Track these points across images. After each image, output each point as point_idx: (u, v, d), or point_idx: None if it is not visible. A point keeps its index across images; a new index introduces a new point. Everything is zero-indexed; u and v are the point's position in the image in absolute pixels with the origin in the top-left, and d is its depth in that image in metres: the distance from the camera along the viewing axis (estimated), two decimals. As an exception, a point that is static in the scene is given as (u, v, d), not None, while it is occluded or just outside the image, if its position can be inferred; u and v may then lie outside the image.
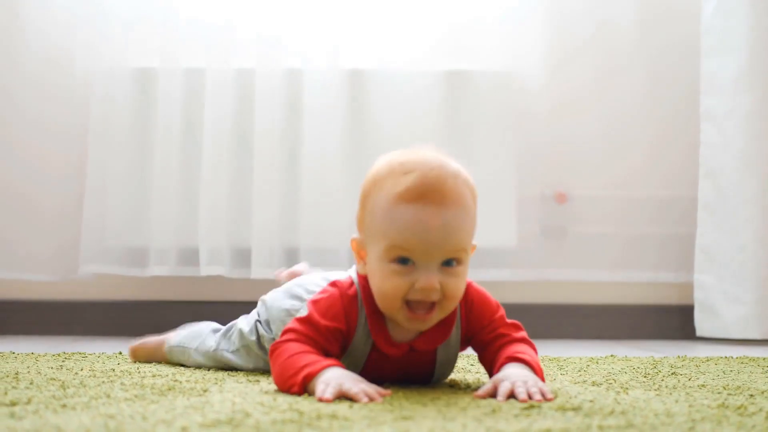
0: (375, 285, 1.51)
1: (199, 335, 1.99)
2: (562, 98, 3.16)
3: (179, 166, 3.03)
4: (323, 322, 1.52)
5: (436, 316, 1.50)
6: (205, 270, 3.00)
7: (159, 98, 3.02)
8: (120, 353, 2.27)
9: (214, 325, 2.01)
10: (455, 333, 1.59)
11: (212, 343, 1.94)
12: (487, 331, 1.59)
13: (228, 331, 1.94)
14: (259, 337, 1.85)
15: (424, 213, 1.45)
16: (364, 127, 3.06)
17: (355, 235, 1.57)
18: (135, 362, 2.05)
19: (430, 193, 1.45)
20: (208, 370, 1.91)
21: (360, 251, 1.55)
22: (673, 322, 3.18)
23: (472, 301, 1.59)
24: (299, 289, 1.78)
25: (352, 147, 3.03)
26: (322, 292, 1.58)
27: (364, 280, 1.55)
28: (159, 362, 2.06)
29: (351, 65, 3.08)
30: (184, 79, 3.04)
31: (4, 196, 3.08)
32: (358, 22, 3.09)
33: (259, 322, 1.86)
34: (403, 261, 1.46)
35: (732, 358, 2.32)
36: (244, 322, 1.91)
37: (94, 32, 3.05)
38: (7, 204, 3.08)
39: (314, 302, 1.56)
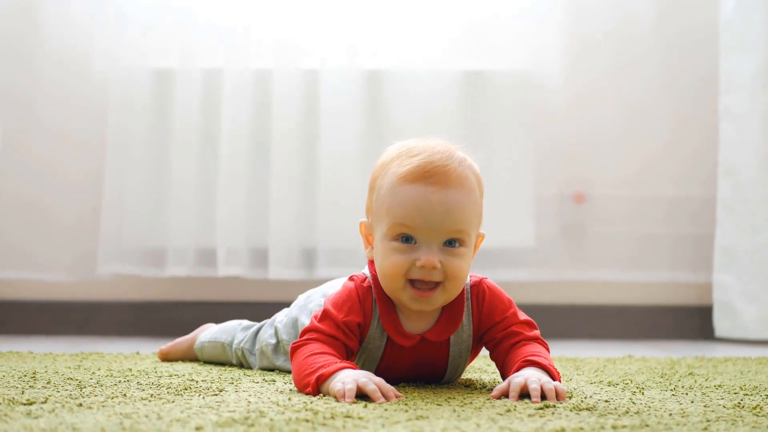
0: (378, 265, 1.52)
1: (228, 330, 2.02)
2: (580, 96, 3.15)
3: (197, 167, 3.04)
4: (340, 316, 1.53)
5: (440, 296, 1.51)
6: (223, 270, 3.01)
7: (177, 99, 3.04)
8: (137, 353, 2.28)
9: (246, 322, 2.03)
10: (467, 326, 1.59)
11: (239, 340, 1.97)
12: (500, 328, 1.58)
13: (257, 331, 1.96)
14: (278, 342, 1.86)
15: (426, 191, 1.47)
16: (382, 128, 3.06)
17: (364, 219, 1.58)
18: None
19: (434, 174, 1.48)
20: (229, 367, 1.93)
21: (368, 236, 1.57)
22: (692, 322, 3.17)
23: (484, 294, 1.59)
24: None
25: (369, 147, 3.03)
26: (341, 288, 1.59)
27: (375, 271, 1.56)
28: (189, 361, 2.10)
29: (368, 66, 3.08)
30: (202, 80, 3.06)
31: (25, 195, 3.11)
32: (374, 22, 3.09)
33: (279, 325, 1.87)
34: (406, 239, 1.49)
35: (750, 358, 2.30)
36: (266, 325, 1.92)
37: (112, 36, 3.07)
38: (27, 203, 3.10)
39: (330, 298, 1.57)
